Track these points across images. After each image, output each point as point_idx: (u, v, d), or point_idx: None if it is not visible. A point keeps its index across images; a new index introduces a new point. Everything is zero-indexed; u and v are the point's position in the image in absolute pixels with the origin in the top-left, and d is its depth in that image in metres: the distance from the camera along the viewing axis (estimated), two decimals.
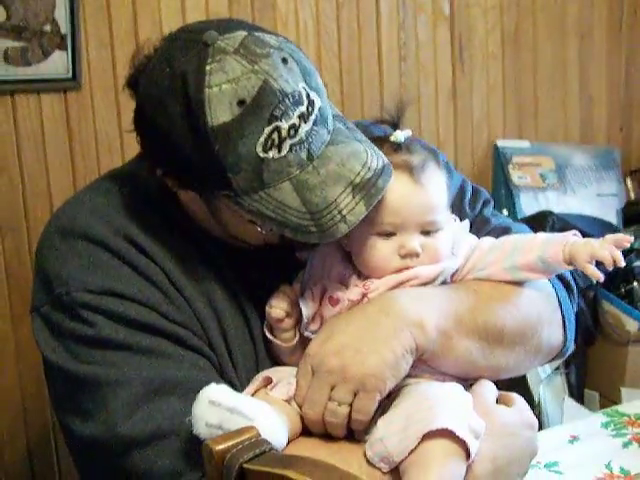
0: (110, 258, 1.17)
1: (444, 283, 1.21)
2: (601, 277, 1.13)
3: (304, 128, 1.09)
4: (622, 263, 1.12)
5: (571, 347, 1.35)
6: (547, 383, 2.56)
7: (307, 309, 1.19)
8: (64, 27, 2.08)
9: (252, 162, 1.08)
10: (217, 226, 1.22)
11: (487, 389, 1.18)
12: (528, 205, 2.80)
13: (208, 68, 1.07)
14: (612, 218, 2.95)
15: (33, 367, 2.12)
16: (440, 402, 1.07)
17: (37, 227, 2.09)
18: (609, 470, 1.30)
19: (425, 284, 1.19)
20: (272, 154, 1.08)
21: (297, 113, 1.09)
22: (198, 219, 1.25)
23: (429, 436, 1.00)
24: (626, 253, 2.74)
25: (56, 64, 2.09)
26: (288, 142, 1.08)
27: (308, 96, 1.11)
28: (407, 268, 1.17)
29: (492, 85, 2.91)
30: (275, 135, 1.07)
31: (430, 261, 1.18)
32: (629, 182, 3.14)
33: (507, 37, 2.93)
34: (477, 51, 2.86)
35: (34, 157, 2.10)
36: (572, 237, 1.17)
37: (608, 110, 3.18)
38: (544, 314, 1.27)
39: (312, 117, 1.11)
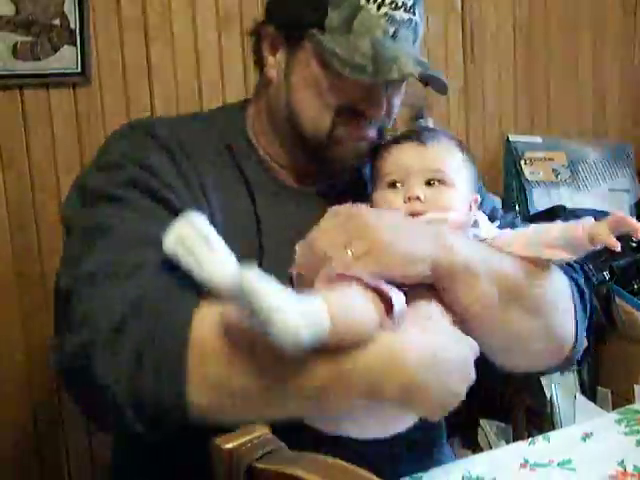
0: (160, 150, 1.28)
1: None
2: (618, 246, 1.16)
3: (401, 13, 1.27)
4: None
5: (580, 350, 1.36)
6: (559, 381, 2.54)
7: None
8: (73, 22, 2.07)
9: (352, 4, 1.24)
10: (280, 112, 1.34)
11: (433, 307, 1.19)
12: (540, 200, 2.79)
13: None
14: (625, 214, 2.91)
15: (43, 364, 2.12)
16: None
17: (45, 221, 2.09)
18: (622, 468, 1.29)
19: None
20: (371, 7, 1.25)
21: (403, 0, 1.27)
22: (265, 125, 1.38)
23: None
24: (639, 249, 2.72)
25: (65, 59, 2.08)
26: (387, 8, 1.25)
27: (414, 4, 1.29)
28: (412, 214, 1.24)
29: (504, 79, 2.90)
30: None
31: (434, 209, 1.25)
32: None
33: (519, 31, 2.91)
34: (489, 45, 2.85)
35: (43, 152, 2.09)
36: (589, 219, 1.21)
37: (621, 105, 3.15)
38: (561, 299, 1.30)
39: (410, 15, 1.28)
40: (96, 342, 1.03)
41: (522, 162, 2.85)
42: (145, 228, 1.15)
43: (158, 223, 1.11)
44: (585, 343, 1.37)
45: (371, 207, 1.27)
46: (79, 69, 2.10)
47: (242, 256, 1.21)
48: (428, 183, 1.27)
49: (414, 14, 1.28)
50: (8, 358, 2.11)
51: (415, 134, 1.32)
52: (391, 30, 1.25)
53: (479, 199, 1.33)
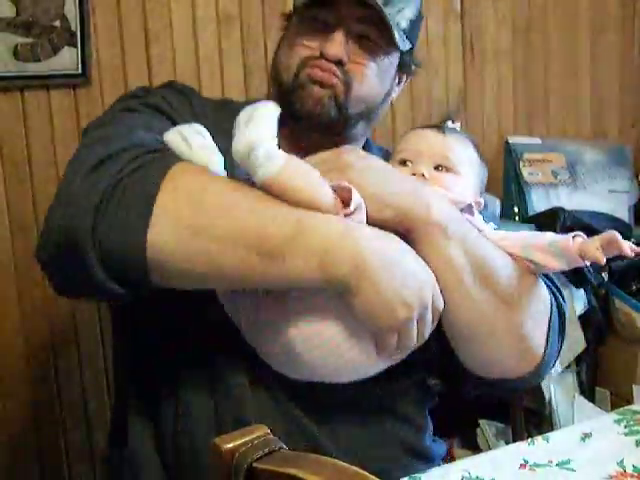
0: (183, 98, 1.40)
1: None
2: (603, 260, 1.16)
3: None
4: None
5: (549, 368, 1.34)
6: (558, 381, 2.55)
7: None
8: (74, 23, 2.07)
9: None
10: (276, 60, 1.43)
11: None
12: (539, 202, 2.79)
13: None
14: (624, 215, 2.93)
15: (43, 364, 2.13)
16: None
17: None
18: (622, 468, 1.29)
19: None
20: None
21: None
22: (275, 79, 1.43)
23: None
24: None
25: (65, 60, 2.08)
26: None
27: None
28: None
29: (503, 81, 2.90)
30: None
31: None
32: None
33: (518, 33, 2.91)
34: (488, 47, 2.85)
35: (43, 153, 2.10)
36: (580, 234, 1.21)
37: (620, 106, 3.15)
38: (536, 306, 1.28)
39: None
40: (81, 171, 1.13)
41: (521, 163, 2.85)
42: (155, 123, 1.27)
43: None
44: (561, 360, 1.39)
45: None
46: (79, 70, 2.11)
47: None
48: (436, 168, 1.30)
49: None
50: (8, 358, 2.11)
51: (439, 125, 1.39)
52: None
53: (482, 204, 1.32)
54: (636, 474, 1.28)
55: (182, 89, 1.44)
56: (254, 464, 0.71)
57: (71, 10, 2.06)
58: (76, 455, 2.22)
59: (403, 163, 1.32)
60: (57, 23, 2.06)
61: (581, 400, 2.57)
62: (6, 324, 2.09)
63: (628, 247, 1.17)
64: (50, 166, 2.11)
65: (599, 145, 3.04)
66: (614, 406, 2.50)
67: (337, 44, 1.35)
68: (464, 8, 2.77)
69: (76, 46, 2.09)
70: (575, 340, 2.57)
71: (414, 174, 1.28)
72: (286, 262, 1.07)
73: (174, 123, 1.27)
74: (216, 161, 1.16)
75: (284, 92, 1.39)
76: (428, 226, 1.18)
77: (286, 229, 1.07)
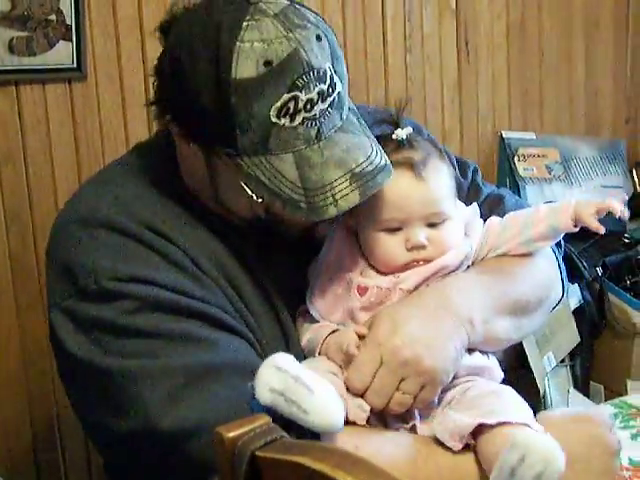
0: (136, 246, 1.16)
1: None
2: (602, 229, 1.20)
3: (320, 106, 1.10)
4: (626, 213, 1.21)
5: (565, 295, 1.43)
6: (552, 376, 2.55)
7: (325, 301, 1.23)
8: (69, 17, 2.06)
9: (262, 124, 1.09)
10: (209, 191, 1.21)
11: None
12: (534, 196, 2.80)
13: (245, 24, 1.08)
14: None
15: (38, 358, 2.12)
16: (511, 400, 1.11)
17: (42, 217, 2.09)
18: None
19: (452, 272, 1.22)
20: (284, 122, 1.09)
21: (317, 90, 1.10)
22: (193, 184, 1.24)
23: (507, 425, 1.03)
24: (631, 245, 2.73)
25: (61, 54, 2.08)
26: (302, 114, 1.09)
27: (332, 78, 1.12)
28: (415, 261, 1.20)
29: (497, 76, 2.91)
30: (292, 104, 1.08)
31: (437, 252, 1.21)
32: (635, 174, 3.14)
33: (512, 28, 2.92)
34: (482, 42, 2.86)
35: (39, 147, 2.09)
36: (573, 200, 1.24)
37: (614, 102, 3.17)
38: (551, 276, 1.36)
39: (330, 99, 1.12)
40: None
41: (515, 158, 2.86)
42: (196, 359, 1.10)
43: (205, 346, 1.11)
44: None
45: (363, 245, 1.25)
46: (75, 64, 2.10)
47: (265, 312, 1.22)
48: (430, 225, 1.21)
49: (334, 89, 1.13)
50: (3, 354, 2.10)
51: (409, 162, 1.21)
52: (313, 133, 1.11)
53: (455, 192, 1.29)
54: (632, 467, 1.28)
55: (127, 237, 1.17)
56: (257, 452, 0.71)
57: (66, 4, 2.05)
58: (72, 447, 2.22)
59: (390, 231, 1.21)
60: (52, 17, 2.05)
61: (575, 394, 2.58)
62: (2, 319, 2.09)
63: (620, 211, 1.19)
64: (45, 159, 2.10)
65: (593, 141, 3.06)
66: (608, 400, 2.51)
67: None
68: (459, 3, 2.78)
69: (71, 40, 2.08)
70: (569, 335, 2.58)
71: (412, 246, 1.20)
72: None
73: (176, 310, 1.12)
74: (334, 411, 1.00)
75: (251, 225, 1.24)
76: (479, 338, 1.19)
77: None
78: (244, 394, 1.05)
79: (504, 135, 2.90)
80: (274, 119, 1.08)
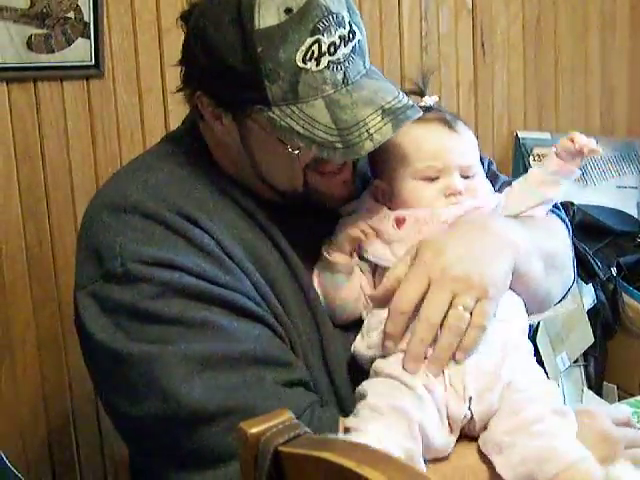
0: (163, 230, 1.17)
1: None
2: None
3: (343, 50, 1.15)
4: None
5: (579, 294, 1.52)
6: (566, 376, 2.55)
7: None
8: (87, 14, 2.07)
9: (290, 70, 1.12)
10: (248, 171, 1.24)
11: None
12: None
13: None
14: (632, 210, 2.94)
15: (54, 353, 2.13)
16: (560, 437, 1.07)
17: (58, 213, 2.10)
18: None
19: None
20: (310, 66, 1.13)
21: (338, 33, 1.14)
22: (230, 168, 1.27)
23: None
24: None
25: (79, 51, 2.09)
26: (327, 58, 1.13)
27: (350, 25, 1.16)
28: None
29: (513, 76, 2.90)
30: (315, 47, 1.12)
31: (475, 199, 1.26)
32: None
33: (529, 28, 2.91)
34: (498, 42, 2.85)
35: (56, 144, 2.10)
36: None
37: (630, 102, 3.15)
38: (569, 252, 1.41)
39: (351, 44, 1.16)
40: None
41: (531, 158, 2.86)
42: (215, 346, 1.12)
43: (225, 334, 1.12)
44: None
45: (395, 199, 1.26)
46: (93, 62, 2.11)
47: (294, 293, 1.23)
48: (464, 176, 1.25)
49: (354, 35, 1.17)
50: (19, 350, 2.11)
51: (441, 117, 1.27)
52: (340, 77, 1.14)
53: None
54: None
55: (156, 222, 1.19)
56: (280, 448, 0.71)
57: (85, 1, 2.06)
58: (87, 443, 2.22)
59: (429, 180, 1.23)
60: (71, 14, 2.06)
61: (589, 395, 2.57)
62: (16, 314, 2.10)
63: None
64: (63, 156, 2.11)
65: (608, 140, 3.04)
66: (622, 400, 2.50)
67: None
68: (475, 3, 2.77)
69: (89, 37, 2.09)
70: (583, 335, 2.58)
71: (450, 194, 1.22)
72: None
73: (199, 295, 1.14)
74: None
75: (289, 196, 1.27)
76: (522, 265, 1.20)
77: None
78: (261, 385, 1.09)
79: (519, 135, 2.90)
80: (300, 64, 1.12)
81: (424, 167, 1.23)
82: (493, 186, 1.40)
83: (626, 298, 2.65)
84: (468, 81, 2.80)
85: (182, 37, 1.27)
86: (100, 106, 2.14)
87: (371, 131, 1.13)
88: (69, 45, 2.07)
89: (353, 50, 1.16)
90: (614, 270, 2.65)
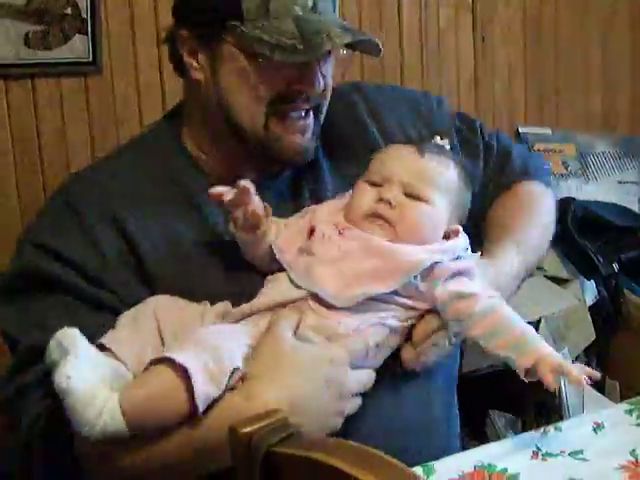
0: (74, 223, 1.26)
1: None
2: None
3: None
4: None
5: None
6: None
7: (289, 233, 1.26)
8: (84, 11, 2.08)
9: None
10: (214, 111, 1.30)
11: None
12: None
13: None
14: (634, 206, 2.93)
15: None
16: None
17: None
18: (634, 458, 1.28)
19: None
20: None
21: None
22: (196, 137, 1.35)
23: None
24: None
25: (76, 48, 2.09)
26: None
27: None
28: (375, 215, 1.21)
29: (514, 71, 2.89)
30: None
31: (400, 220, 1.21)
32: None
33: (529, 23, 2.90)
34: (499, 37, 2.84)
35: (54, 141, 2.10)
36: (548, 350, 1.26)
37: (631, 97, 3.15)
38: (552, 223, 1.51)
39: None
40: None
41: None
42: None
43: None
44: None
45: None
46: (90, 58, 2.11)
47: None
48: (407, 195, 1.22)
49: None
50: None
51: (422, 144, 1.28)
52: (309, 3, 1.24)
53: (460, 231, 1.27)
54: None
55: (75, 216, 1.28)
56: (272, 448, 0.71)
57: None
58: None
59: (372, 184, 1.23)
60: (68, 11, 2.06)
61: (591, 392, 2.56)
62: None
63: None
64: (60, 153, 2.11)
65: (610, 136, 3.04)
66: (623, 398, 2.49)
67: (319, 82, 1.28)
68: None
69: (87, 34, 2.09)
70: (585, 331, 2.57)
71: (380, 199, 1.21)
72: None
73: (67, 289, 1.24)
74: None
75: (252, 143, 1.30)
76: None
77: None
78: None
79: (520, 130, 2.89)
80: None
81: (372, 172, 1.26)
82: (489, 158, 1.50)
83: (628, 294, 2.64)
84: (468, 75, 2.79)
85: None
86: (98, 103, 2.14)
87: (331, 35, 1.21)
88: (66, 42, 2.07)
89: None
90: (615, 266, 2.64)
